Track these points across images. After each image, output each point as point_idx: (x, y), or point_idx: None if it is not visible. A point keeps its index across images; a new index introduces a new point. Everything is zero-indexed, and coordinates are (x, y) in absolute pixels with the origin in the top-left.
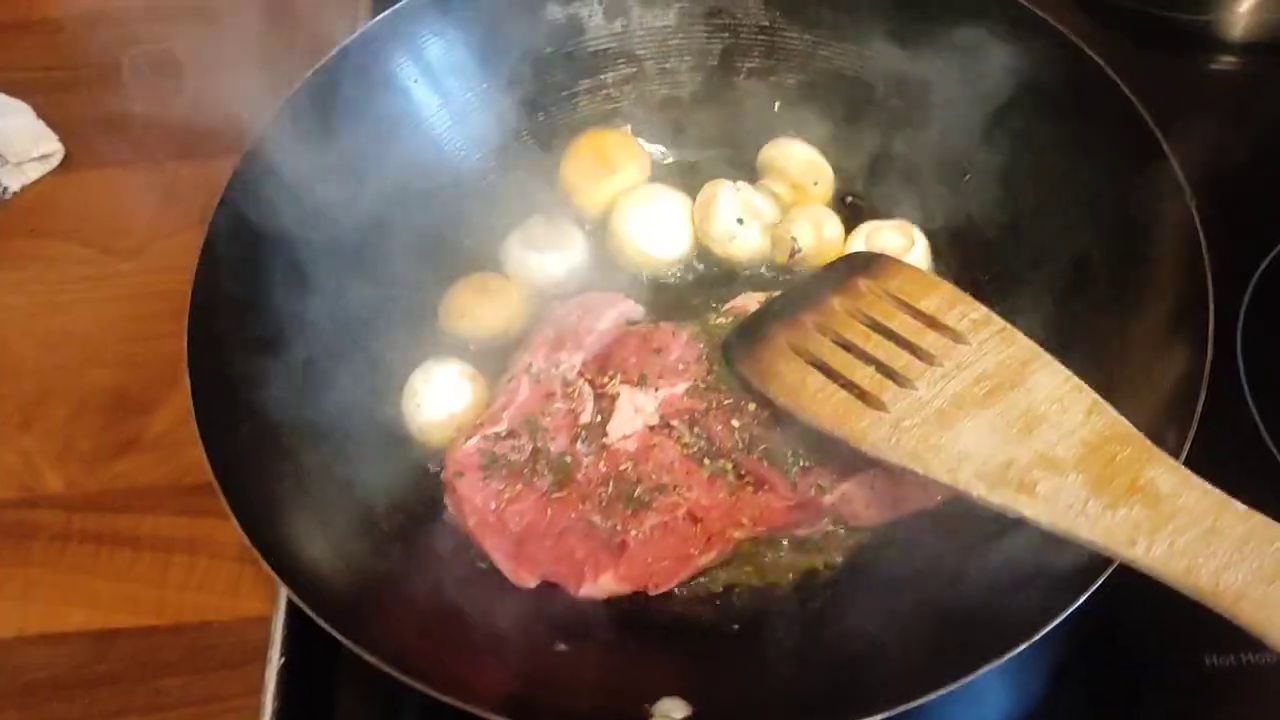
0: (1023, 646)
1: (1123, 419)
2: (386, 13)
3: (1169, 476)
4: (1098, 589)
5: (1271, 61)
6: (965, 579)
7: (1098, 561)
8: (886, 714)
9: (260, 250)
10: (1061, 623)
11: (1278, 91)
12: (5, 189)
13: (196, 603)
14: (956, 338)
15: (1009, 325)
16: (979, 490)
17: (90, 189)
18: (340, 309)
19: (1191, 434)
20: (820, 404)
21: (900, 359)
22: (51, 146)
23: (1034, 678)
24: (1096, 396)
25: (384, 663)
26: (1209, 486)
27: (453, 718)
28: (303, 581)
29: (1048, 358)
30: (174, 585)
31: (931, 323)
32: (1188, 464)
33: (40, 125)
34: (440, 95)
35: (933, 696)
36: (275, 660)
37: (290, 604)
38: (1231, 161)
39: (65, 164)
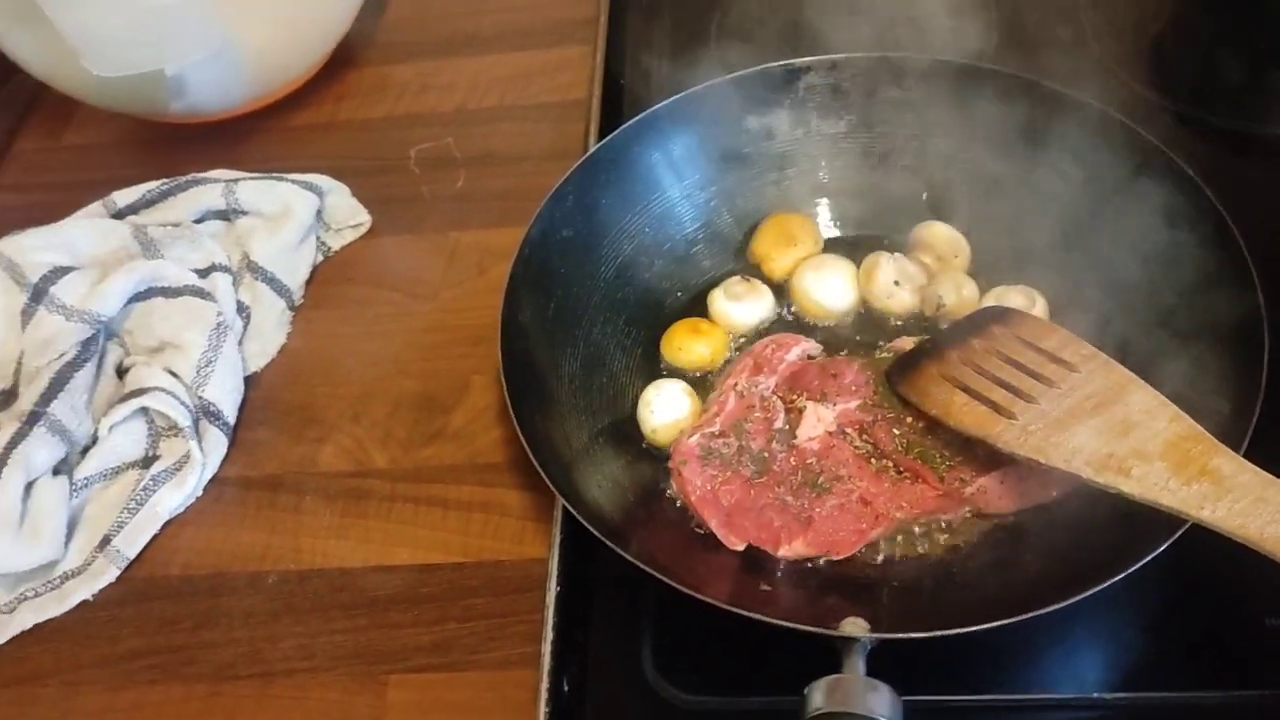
0: (1114, 580)
1: (1197, 425)
2: (641, 115)
3: (1230, 463)
4: (1177, 556)
5: None
6: (1069, 554)
7: (1175, 523)
8: (1004, 622)
9: (541, 293)
10: (1149, 587)
11: None
12: (329, 248)
13: (492, 547)
14: (1070, 368)
15: (1111, 359)
16: (1087, 473)
17: (391, 250)
18: (593, 339)
19: (1248, 437)
20: (964, 415)
21: (1026, 382)
22: (363, 218)
23: (1126, 629)
24: (1177, 409)
25: (640, 561)
26: (1260, 470)
27: (678, 627)
28: (584, 513)
29: (1140, 382)
30: (474, 534)
31: (1051, 357)
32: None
33: (354, 201)
34: (672, 177)
35: (1042, 612)
36: (553, 589)
37: (563, 548)
38: None
39: (372, 231)
